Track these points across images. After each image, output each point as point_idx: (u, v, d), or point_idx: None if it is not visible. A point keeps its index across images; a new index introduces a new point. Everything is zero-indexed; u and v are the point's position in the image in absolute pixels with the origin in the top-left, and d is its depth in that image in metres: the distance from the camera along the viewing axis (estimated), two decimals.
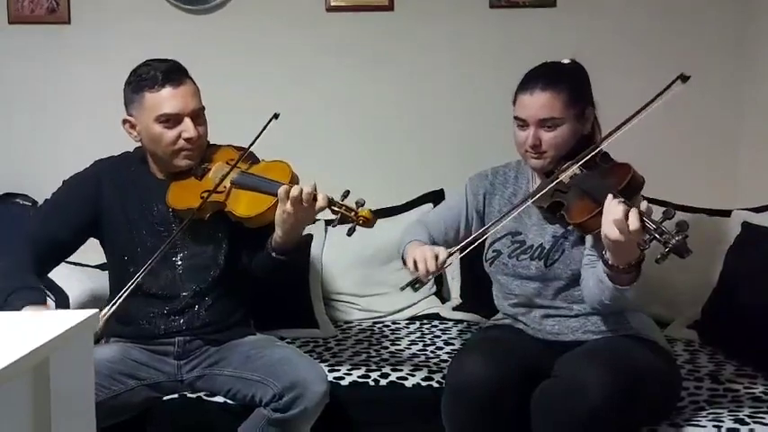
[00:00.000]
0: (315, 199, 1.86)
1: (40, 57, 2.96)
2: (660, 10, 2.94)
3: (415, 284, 1.84)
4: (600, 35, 2.95)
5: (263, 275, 2.06)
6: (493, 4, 2.95)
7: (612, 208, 1.66)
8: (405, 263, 1.97)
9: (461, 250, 1.90)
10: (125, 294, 1.85)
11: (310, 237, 2.73)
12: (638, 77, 2.93)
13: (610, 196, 1.69)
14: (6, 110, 2.99)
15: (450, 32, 2.98)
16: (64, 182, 2.12)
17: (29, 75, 2.97)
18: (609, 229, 1.66)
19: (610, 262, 1.74)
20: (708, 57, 2.95)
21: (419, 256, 1.83)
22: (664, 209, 1.61)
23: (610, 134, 1.86)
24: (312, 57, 2.99)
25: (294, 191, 1.84)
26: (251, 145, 2.00)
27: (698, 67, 2.96)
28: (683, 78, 1.81)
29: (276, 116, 1.96)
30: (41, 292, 1.94)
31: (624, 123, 1.85)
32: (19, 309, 1.83)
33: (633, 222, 1.61)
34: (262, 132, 1.96)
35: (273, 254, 1.95)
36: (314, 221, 1.93)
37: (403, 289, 1.86)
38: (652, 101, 1.84)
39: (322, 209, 1.88)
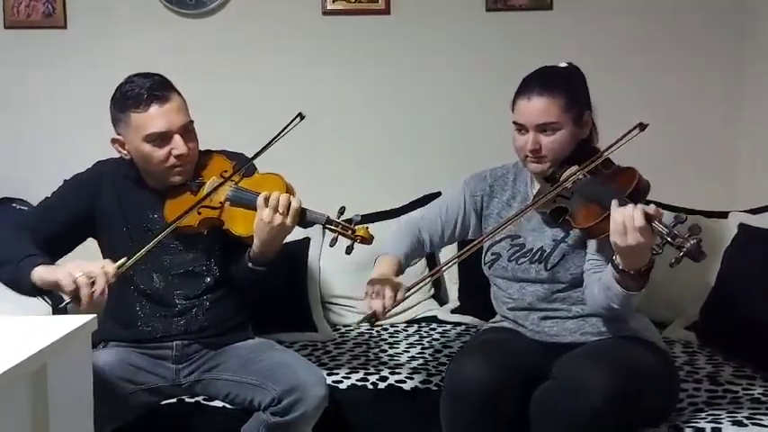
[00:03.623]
0: (290, 207, 1.85)
1: (36, 61, 2.96)
2: (657, 12, 2.95)
3: (372, 320, 1.83)
4: (596, 38, 2.95)
5: (245, 287, 2.05)
6: (489, 7, 2.96)
7: (622, 212, 1.65)
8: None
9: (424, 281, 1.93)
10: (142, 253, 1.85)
11: (306, 241, 2.73)
12: (635, 80, 2.94)
13: (615, 202, 1.68)
14: (3, 114, 2.98)
15: (446, 36, 2.98)
16: (65, 181, 2.11)
17: (25, 79, 2.97)
18: (618, 234, 1.65)
19: (620, 267, 1.73)
20: (705, 59, 2.95)
21: (377, 292, 1.83)
22: (675, 214, 1.61)
23: (616, 143, 1.83)
24: (308, 60, 2.99)
25: (271, 198, 1.84)
26: (268, 144, 1.94)
27: (695, 69, 2.99)
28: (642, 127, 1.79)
29: (302, 117, 1.91)
30: (47, 257, 1.91)
31: (630, 132, 1.82)
32: (30, 272, 1.82)
33: (642, 225, 1.61)
34: (284, 132, 1.92)
35: (251, 264, 1.94)
36: (290, 231, 1.90)
37: (359, 324, 1.86)
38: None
39: (297, 212, 1.86)
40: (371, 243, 1.88)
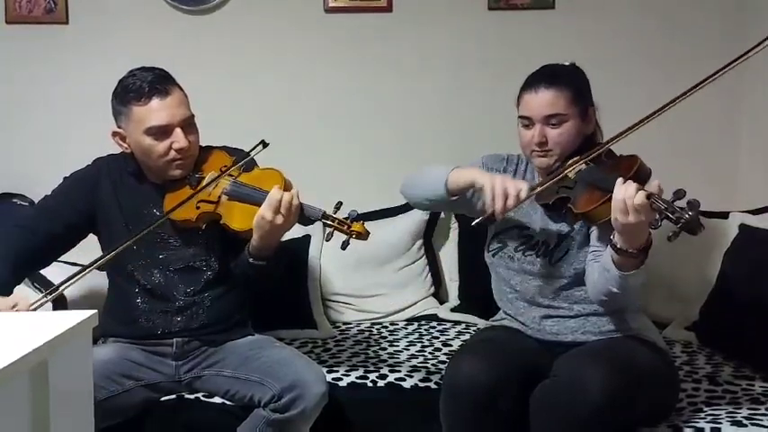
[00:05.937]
0: (292, 207, 1.85)
1: (37, 57, 2.95)
2: (658, 12, 2.95)
3: (490, 220, 1.80)
4: (598, 37, 2.95)
5: (245, 282, 2.05)
6: (491, 5, 2.95)
7: (623, 191, 1.67)
8: (457, 191, 1.91)
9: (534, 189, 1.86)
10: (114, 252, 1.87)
11: (306, 238, 2.72)
12: (636, 80, 2.94)
13: (620, 180, 1.70)
14: (4, 110, 2.98)
15: (448, 34, 2.98)
16: (64, 179, 2.11)
17: (26, 75, 2.96)
18: (619, 211, 1.67)
19: (618, 245, 1.73)
20: (706, 59, 2.94)
21: (499, 189, 1.78)
22: (675, 189, 1.63)
23: (620, 134, 1.84)
24: (310, 57, 2.98)
25: (274, 198, 1.84)
26: (237, 163, 1.97)
27: (696, 69, 2.97)
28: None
29: (265, 144, 1.93)
30: (7, 285, 1.91)
31: (639, 123, 1.82)
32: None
33: (642, 203, 1.63)
34: (247, 156, 1.96)
35: (251, 259, 1.94)
36: (289, 229, 1.91)
37: (475, 224, 1.81)
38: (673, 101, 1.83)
39: (297, 209, 1.87)
40: (367, 238, 1.89)
